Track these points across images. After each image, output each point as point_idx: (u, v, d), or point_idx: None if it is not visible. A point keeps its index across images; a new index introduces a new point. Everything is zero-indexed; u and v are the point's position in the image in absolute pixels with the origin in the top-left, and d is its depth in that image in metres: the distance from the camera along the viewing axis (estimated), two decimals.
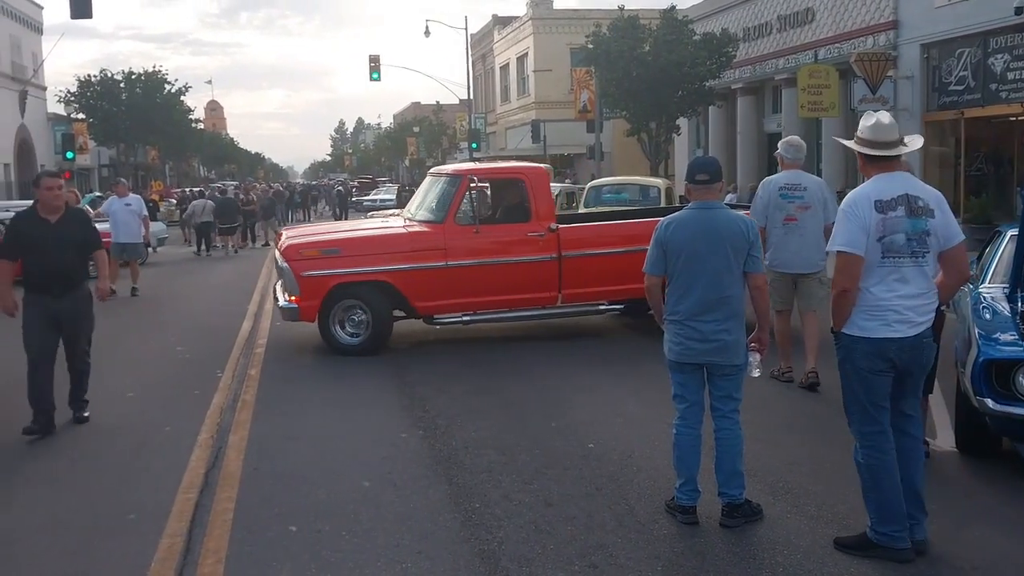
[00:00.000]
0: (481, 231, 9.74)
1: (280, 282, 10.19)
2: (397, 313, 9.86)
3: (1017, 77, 17.27)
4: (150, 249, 21.73)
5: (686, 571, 4.35)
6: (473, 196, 9.76)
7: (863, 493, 4.50)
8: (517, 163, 13.16)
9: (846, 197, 4.56)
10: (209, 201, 25.03)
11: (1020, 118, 18.29)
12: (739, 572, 4.34)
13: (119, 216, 14.98)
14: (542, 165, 11.09)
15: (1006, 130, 18.75)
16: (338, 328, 9.55)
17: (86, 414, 7.11)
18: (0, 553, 4.71)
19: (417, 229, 9.96)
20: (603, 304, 10.17)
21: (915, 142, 4.60)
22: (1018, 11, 16.28)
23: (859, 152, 4.57)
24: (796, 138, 8.10)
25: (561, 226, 9.93)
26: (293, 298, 9.55)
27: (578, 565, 4.41)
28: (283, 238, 10.50)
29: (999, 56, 17.69)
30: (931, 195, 4.41)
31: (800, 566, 4.37)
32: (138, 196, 17.13)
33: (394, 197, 42.32)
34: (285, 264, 9.60)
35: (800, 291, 7.82)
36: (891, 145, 4.47)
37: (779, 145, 8.13)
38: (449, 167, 11.75)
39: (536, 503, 5.21)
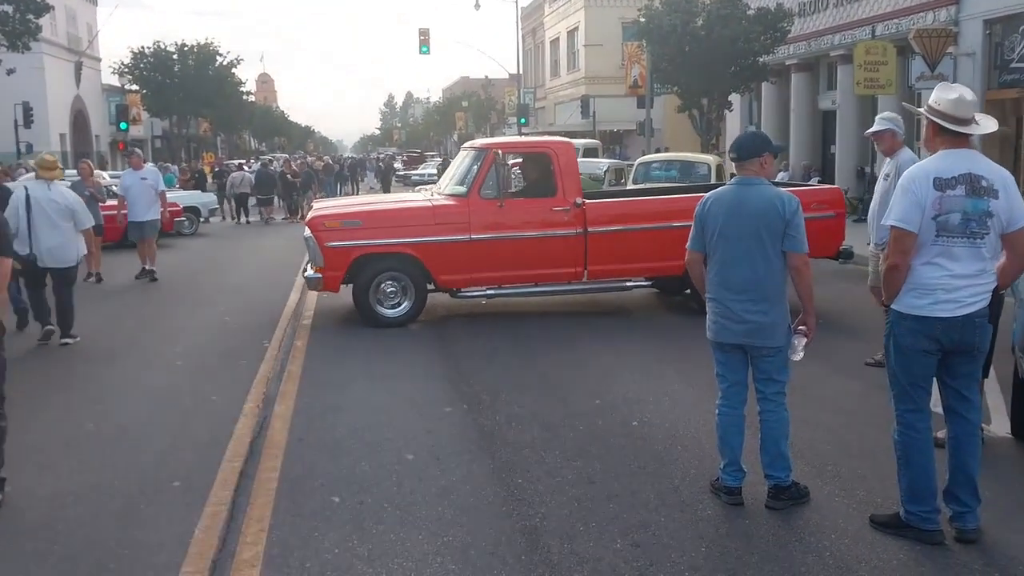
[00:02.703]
0: (506, 205, 9.72)
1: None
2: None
3: None
4: (203, 219, 22.32)
5: (731, 553, 4.28)
6: (499, 170, 9.72)
7: (897, 471, 4.46)
8: (545, 138, 13.11)
9: (906, 172, 4.43)
10: (247, 173, 26.50)
11: None
12: (785, 555, 4.26)
13: (133, 192, 13.67)
14: (569, 140, 11.03)
15: None
16: (376, 302, 9.63)
17: None
18: (48, 516, 4.79)
19: (441, 202, 10.01)
20: (630, 281, 10.10)
21: (988, 124, 4.43)
22: None
23: (931, 122, 4.41)
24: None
25: (588, 201, 9.88)
26: (318, 268, 9.67)
27: (620, 543, 4.37)
28: (311, 210, 10.61)
29: None
30: (997, 175, 4.25)
31: (849, 551, 4.28)
32: (155, 168, 16.00)
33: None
34: (310, 235, 9.72)
35: None
36: (967, 122, 4.32)
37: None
38: (478, 141, 11.72)
39: (579, 480, 5.18)
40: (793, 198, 4.71)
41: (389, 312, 9.67)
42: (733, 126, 31.08)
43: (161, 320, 10.44)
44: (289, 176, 26.47)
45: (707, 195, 4.94)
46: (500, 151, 9.82)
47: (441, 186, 10.77)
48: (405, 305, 9.69)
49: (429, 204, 10.10)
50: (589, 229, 9.73)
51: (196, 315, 10.74)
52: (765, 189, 4.75)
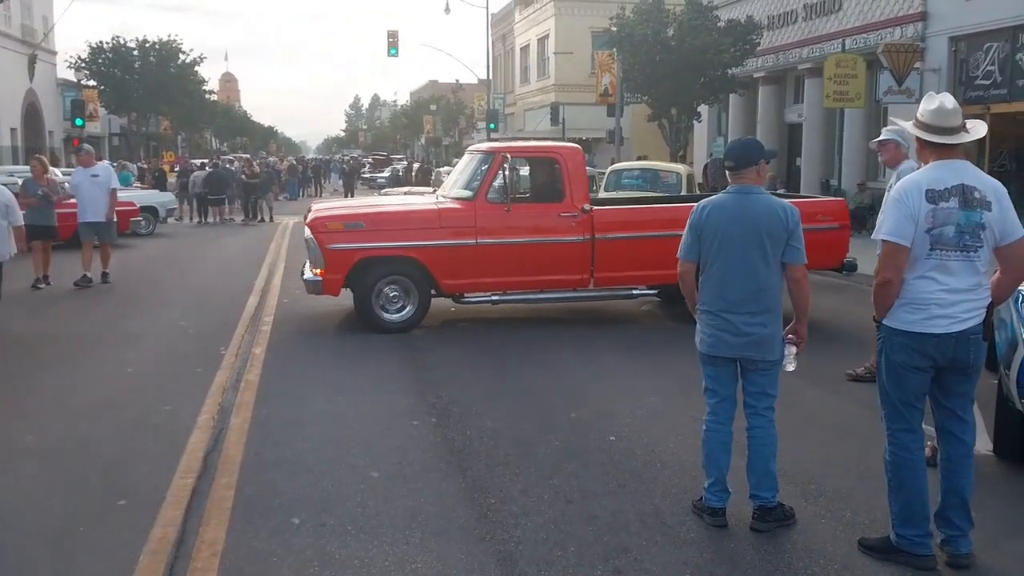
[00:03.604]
0: (513, 210, 9.56)
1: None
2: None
3: None
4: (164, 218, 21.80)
5: None
6: (506, 174, 9.54)
7: (888, 493, 4.28)
8: (552, 142, 12.98)
9: (897, 184, 4.26)
10: (202, 172, 26.41)
11: None
12: None
13: (85, 191, 12.62)
14: (578, 145, 10.89)
15: None
16: (378, 307, 9.45)
17: None
18: None
19: (447, 206, 9.84)
20: (636, 289, 9.97)
21: (978, 129, 4.26)
22: None
23: (916, 136, 4.25)
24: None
25: (595, 208, 9.72)
26: (318, 271, 9.45)
27: (600, 570, 4.12)
28: (311, 211, 10.36)
29: None
30: (990, 186, 4.10)
31: None
32: (107, 165, 14.55)
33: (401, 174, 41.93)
34: (311, 236, 9.49)
35: None
36: (953, 131, 4.16)
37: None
38: (484, 144, 11.53)
39: (556, 500, 4.91)
40: (795, 208, 4.56)
41: (391, 317, 9.47)
42: (701, 137, 31.18)
43: (112, 325, 10.00)
44: (245, 177, 25.97)
45: (703, 203, 4.72)
46: (508, 155, 9.67)
47: (446, 189, 10.61)
48: (408, 310, 9.50)
49: (435, 207, 9.93)
50: (597, 236, 9.59)
51: (150, 319, 10.32)
52: (766, 198, 4.58)
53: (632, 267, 9.63)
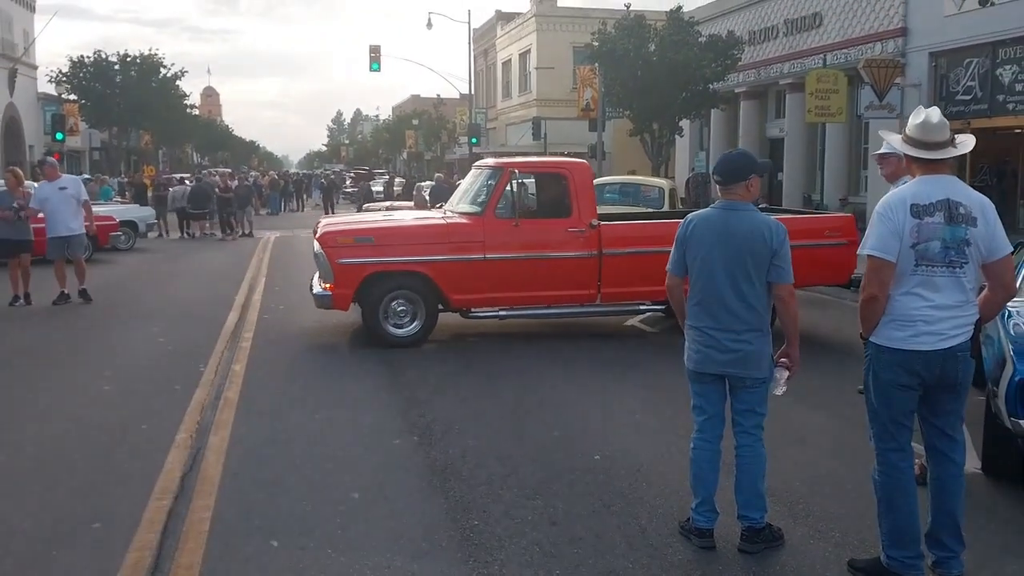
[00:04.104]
0: (521, 225, 9.57)
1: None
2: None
3: None
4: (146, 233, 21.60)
5: None
6: (514, 189, 9.55)
7: (877, 514, 4.21)
8: (560, 158, 13.03)
9: (882, 199, 4.21)
10: (184, 187, 26.75)
11: None
12: None
13: (52, 204, 12.01)
14: (585, 161, 10.92)
15: (1011, 142, 18.54)
16: (385, 321, 9.46)
17: None
18: None
19: (456, 221, 9.88)
20: (643, 304, 9.98)
21: (966, 144, 4.22)
22: None
23: (904, 152, 4.22)
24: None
25: (603, 223, 9.74)
26: (327, 286, 9.45)
27: None
28: (320, 226, 10.34)
29: (1007, 67, 17.45)
30: (976, 202, 4.05)
31: None
32: (75, 177, 13.84)
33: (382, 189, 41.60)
34: (321, 251, 9.50)
35: None
36: (940, 146, 4.12)
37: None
38: (492, 160, 11.63)
39: (540, 521, 4.82)
40: (781, 227, 4.48)
41: (399, 332, 9.46)
42: (683, 151, 31.29)
43: (90, 341, 9.85)
44: (218, 191, 25.79)
45: (689, 217, 4.68)
46: (516, 170, 9.68)
47: (453, 204, 10.63)
48: (415, 325, 9.48)
49: (443, 222, 9.95)
50: (604, 251, 9.59)
51: (128, 336, 10.16)
52: (753, 215, 4.50)
53: (639, 283, 9.60)
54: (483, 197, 9.85)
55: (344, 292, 9.36)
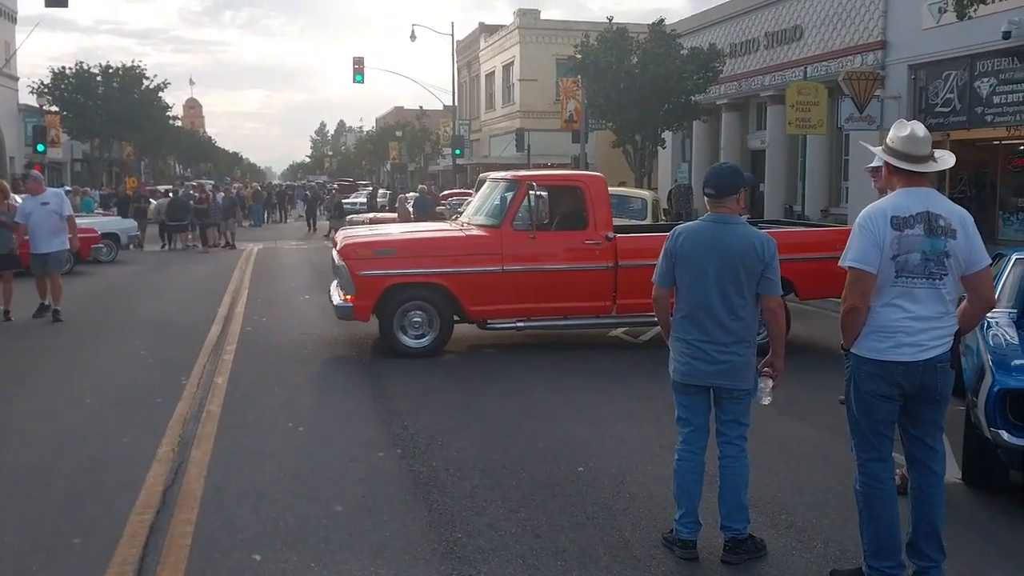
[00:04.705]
0: (538, 238, 9.69)
1: (336, 281, 10.24)
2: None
3: (1003, 101, 17.22)
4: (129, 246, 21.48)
5: None
6: (531, 202, 9.62)
7: (859, 524, 4.24)
8: (576, 171, 13.10)
9: (863, 211, 4.25)
10: (164, 200, 27.11)
11: (1004, 142, 18.25)
12: None
13: (34, 220, 11.63)
14: (600, 174, 11.03)
15: (989, 153, 18.73)
16: (400, 332, 9.54)
17: None
18: None
19: (474, 233, 9.98)
20: None
21: (946, 160, 4.27)
22: (1005, 35, 16.29)
23: (885, 162, 4.26)
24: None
25: (618, 235, 9.84)
26: (348, 297, 9.52)
27: None
28: (340, 238, 10.43)
29: (985, 79, 17.64)
30: (955, 214, 4.10)
31: None
32: (58, 191, 13.31)
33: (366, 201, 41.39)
34: (342, 263, 9.57)
35: None
36: (922, 160, 4.16)
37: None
38: (508, 172, 11.72)
39: (523, 533, 4.82)
40: (771, 240, 4.54)
41: (414, 343, 9.54)
42: (665, 163, 31.42)
43: (70, 353, 9.78)
44: (193, 203, 25.68)
45: (678, 229, 4.72)
46: (534, 183, 9.76)
47: (468, 216, 10.71)
48: (430, 336, 9.56)
49: (462, 235, 10.03)
50: (620, 263, 9.67)
51: (109, 348, 10.10)
52: (743, 228, 4.56)
53: None
54: (500, 210, 9.96)
55: (365, 303, 9.43)
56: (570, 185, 10.40)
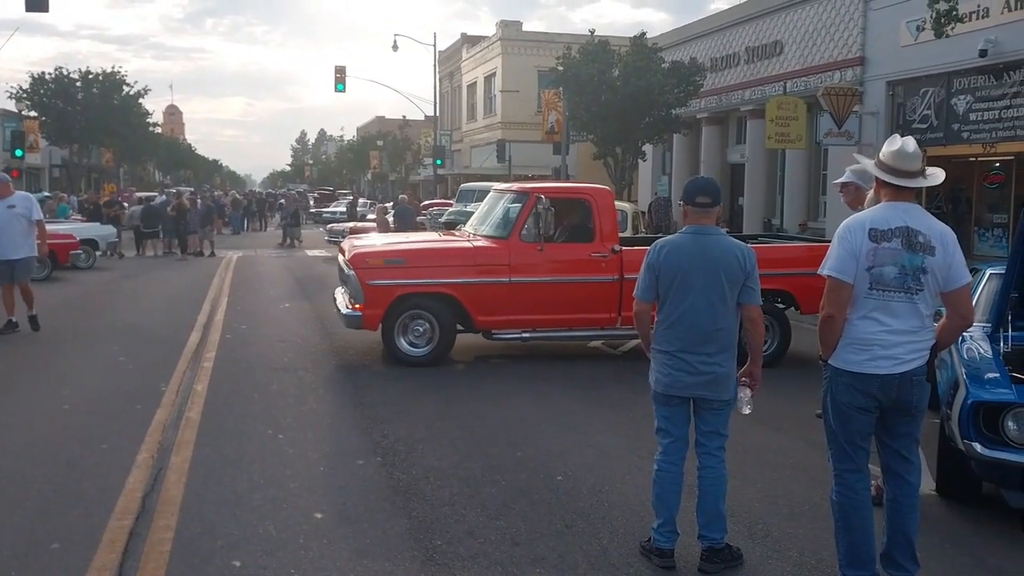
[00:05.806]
0: (545, 249, 9.74)
1: (342, 289, 10.27)
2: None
3: (979, 118, 17.48)
4: (99, 253, 21.25)
5: None
6: (539, 214, 9.70)
7: (835, 534, 4.29)
8: (583, 184, 13.23)
9: (844, 222, 4.31)
10: (139, 207, 26.82)
11: (980, 159, 18.49)
12: None
13: (3, 224, 11.01)
14: (607, 187, 11.12)
15: (965, 170, 18.94)
16: (402, 339, 9.60)
17: None
18: None
19: (482, 244, 10.03)
20: None
21: (936, 176, 4.32)
22: (982, 54, 16.56)
23: (876, 176, 4.32)
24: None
25: (624, 248, 9.91)
26: (357, 306, 9.55)
27: None
28: (349, 246, 10.46)
29: (962, 97, 17.89)
30: (936, 231, 4.14)
31: None
32: (26, 194, 12.54)
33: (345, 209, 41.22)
34: (352, 272, 9.59)
35: None
36: (911, 175, 4.21)
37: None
38: (515, 184, 11.75)
39: (502, 541, 4.85)
40: (751, 250, 4.63)
41: (415, 351, 9.60)
42: (645, 176, 31.60)
43: (48, 360, 9.71)
44: (170, 211, 25.57)
45: (659, 243, 4.75)
46: (542, 195, 9.81)
47: (474, 227, 10.78)
48: (432, 345, 9.63)
49: (471, 245, 10.09)
50: (626, 276, 9.68)
51: (88, 354, 10.04)
52: (724, 239, 4.64)
53: None
54: (509, 221, 10.02)
55: (374, 312, 9.47)
56: (577, 198, 10.47)
